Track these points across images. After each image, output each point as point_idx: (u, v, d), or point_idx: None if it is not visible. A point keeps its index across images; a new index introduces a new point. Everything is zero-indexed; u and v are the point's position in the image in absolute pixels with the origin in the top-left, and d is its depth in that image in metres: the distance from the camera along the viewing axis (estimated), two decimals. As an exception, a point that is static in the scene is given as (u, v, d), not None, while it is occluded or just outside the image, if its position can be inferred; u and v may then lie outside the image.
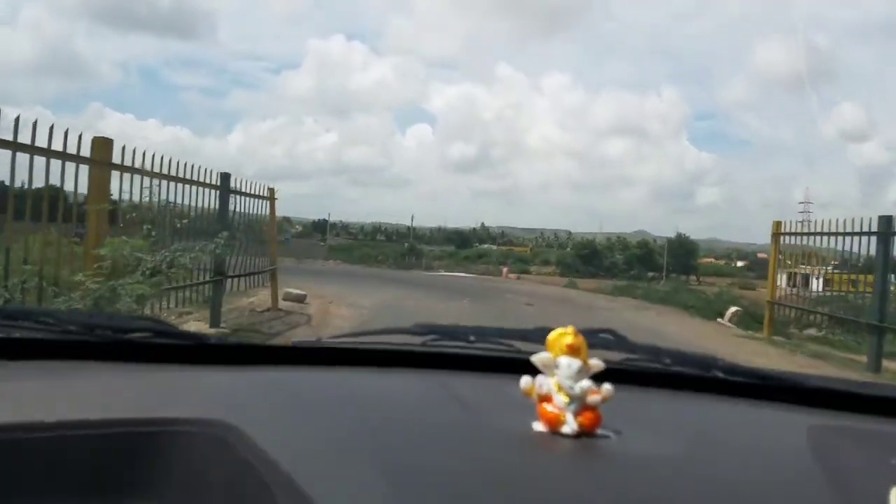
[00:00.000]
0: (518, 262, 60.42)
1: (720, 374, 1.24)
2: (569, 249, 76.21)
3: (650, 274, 64.57)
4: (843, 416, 1.12)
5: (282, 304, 11.65)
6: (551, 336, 0.91)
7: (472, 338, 1.30)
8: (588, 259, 62.57)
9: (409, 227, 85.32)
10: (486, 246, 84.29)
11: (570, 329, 0.91)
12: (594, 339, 1.19)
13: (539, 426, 0.89)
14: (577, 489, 0.74)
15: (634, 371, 1.24)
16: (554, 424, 0.87)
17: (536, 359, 0.91)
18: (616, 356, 1.22)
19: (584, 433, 0.86)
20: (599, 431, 0.88)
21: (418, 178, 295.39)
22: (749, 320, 16.24)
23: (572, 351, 0.89)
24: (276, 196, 11.55)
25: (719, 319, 16.17)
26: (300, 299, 13.02)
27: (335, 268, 39.18)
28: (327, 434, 0.83)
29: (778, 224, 12.78)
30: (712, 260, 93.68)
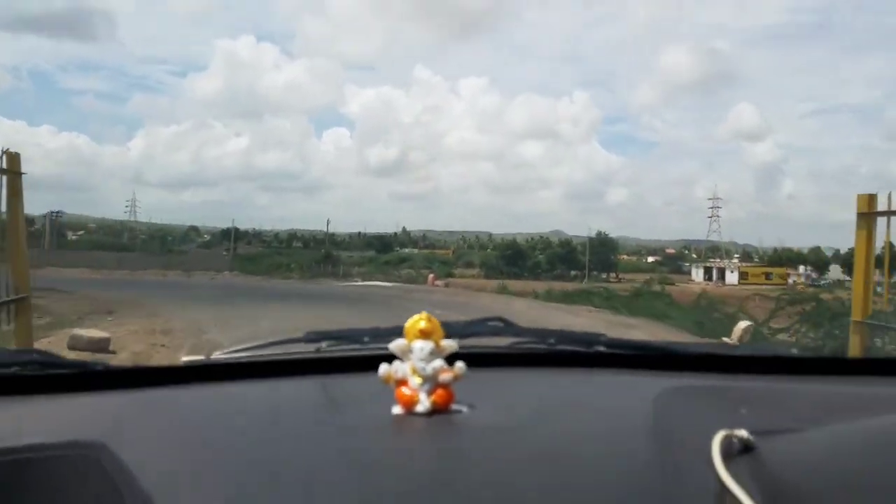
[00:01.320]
0: (441, 265, 57.61)
1: (603, 349, 1.29)
2: (490, 250, 74.06)
3: (572, 272, 63.32)
4: (701, 376, 1.17)
5: (69, 354, 8.31)
6: (408, 323, 0.94)
7: (366, 339, 1.30)
8: (512, 260, 60.35)
9: (325, 234, 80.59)
10: (407, 250, 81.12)
11: (423, 314, 0.95)
12: (484, 327, 1.31)
13: (397, 409, 0.91)
14: (426, 463, 0.78)
15: (521, 354, 1.28)
16: (409, 405, 0.89)
17: (394, 346, 0.93)
18: (505, 342, 1.29)
19: (437, 410, 0.89)
20: (453, 407, 0.90)
21: (336, 183, 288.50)
22: (759, 336, 13.52)
23: (425, 335, 0.92)
24: (20, 169, 5.98)
25: (726, 339, 13.18)
26: (100, 346, 9.55)
27: (232, 281, 34.48)
28: (194, 450, 0.82)
29: (869, 199, 6.06)
30: (625, 256, 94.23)
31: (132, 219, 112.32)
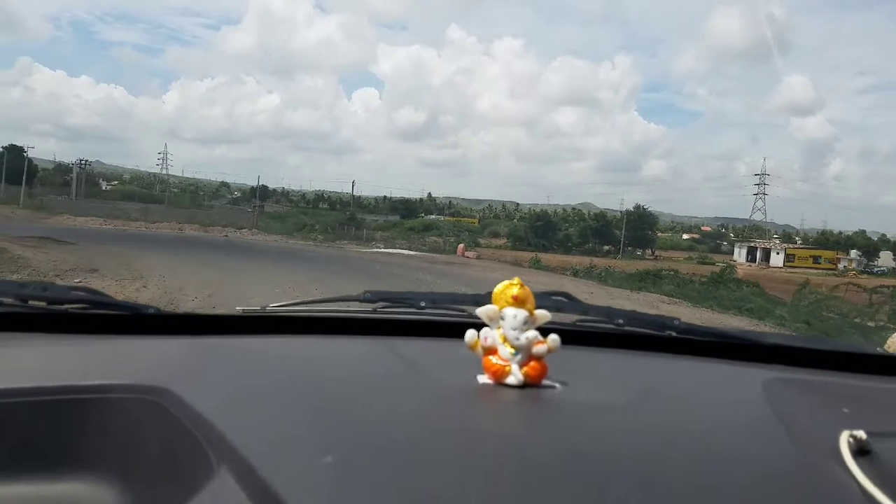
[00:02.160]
0: (467, 234, 55.03)
1: (674, 334, 1.24)
2: (516, 221, 71.14)
3: (605, 247, 60.20)
4: (798, 370, 1.14)
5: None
6: (497, 288, 0.89)
7: (423, 304, 1.28)
8: (541, 231, 57.35)
9: (353, 197, 78.46)
10: (433, 216, 78.51)
11: (516, 280, 0.89)
12: (548, 301, 1.17)
13: (484, 378, 0.86)
14: (521, 437, 0.74)
15: (588, 332, 1.24)
16: (499, 376, 0.85)
17: (482, 311, 0.88)
18: (570, 318, 1.24)
19: (529, 384, 0.85)
20: (545, 382, 0.86)
21: (364, 146, 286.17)
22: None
23: (518, 302, 0.86)
24: None
25: (880, 349, 9.98)
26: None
27: (248, 240, 31.98)
28: (267, 399, 0.80)
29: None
30: (659, 233, 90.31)
31: (164, 171, 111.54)
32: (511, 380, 0.84)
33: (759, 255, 64.65)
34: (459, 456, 0.66)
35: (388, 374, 0.95)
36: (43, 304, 1.12)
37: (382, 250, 32.07)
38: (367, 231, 49.51)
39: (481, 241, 51.88)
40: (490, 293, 0.92)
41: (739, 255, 66.12)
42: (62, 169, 78.29)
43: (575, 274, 26.42)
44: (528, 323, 0.85)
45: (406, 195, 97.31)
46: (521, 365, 0.85)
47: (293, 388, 0.84)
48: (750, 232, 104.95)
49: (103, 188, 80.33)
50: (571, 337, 1.08)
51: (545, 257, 33.30)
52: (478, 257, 32.00)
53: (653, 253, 62.76)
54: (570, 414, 0.81)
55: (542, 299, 1.12)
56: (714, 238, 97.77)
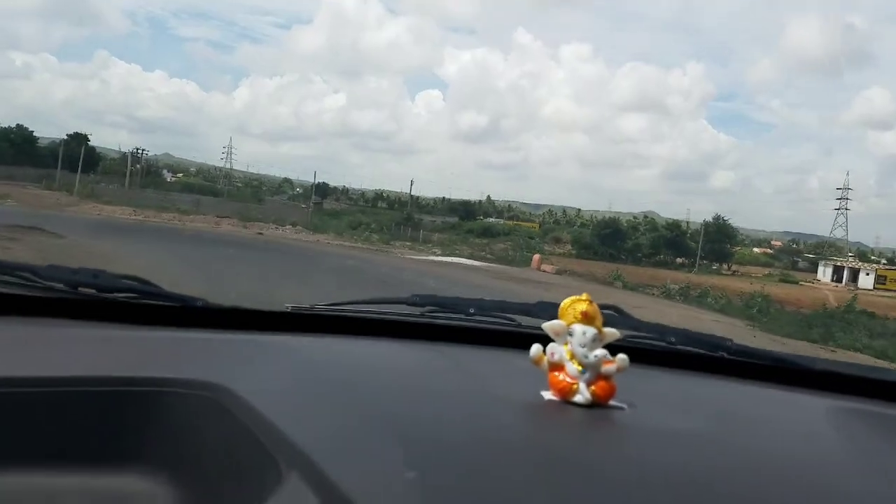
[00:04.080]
0: (527, 239, 50.36)
1: (726, 355, 1.21)
2: (578, 226, 65.90)
3: (679, 259, 54.45)
4: (857, 400, 1.09)
5: None
6: (565, 303, 0.85)
7: (472, 311, 1.25)
8: (608, 239, 52.01)
9: (411, 196, 74.74)
10: (491, 219, 73.94)
11: (584, 296, 0.85)
12: None
13: (549, 395, 0.83)
14: (593, 459, 0.70)
15: (639, 349, 1.19)
16: (566, 393, 0.81)
17: (548, 326, 0.84)
18: (621, 334, 1.19)
19: (597, 403, 0.81)
20: (613, 402, 0.83)
21: (425, 147, 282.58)
22: None
23: (587, 319, 0.82)
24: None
25: None
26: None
27: (285, 241, 27.49)
28: (331, 402, 0.77)
29: None
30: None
31: (227, 166, 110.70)
32: (579, 398, 0.80)
33: (846, 275, 57.58)
34: (534, 475, 0.63)
35: (451, 384, 0.92)
36: (93, 291, 1.09)
37: (439, 258, 26.70)
38: (423, 232, 45.62)
39: (545, 247, 47.04)
40: (541, 303, 0.89)
41: (824, 274, 59.12)
42: (127, 159, 77.70)
43: (667, 294, 21.41)
44: (596, 341, 0.82)
45: (465, 197, 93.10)
46: (589, 384, 0.81)
47: (358, 394, 0.80)
48: (822, 248, 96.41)
49: (168, 179, 79.48)
50: (622, 352, 1.05)
51: (611, 268, 28.19)
52: (558, 272, 25.90)
53: (729, 268, 56.59)
54: (644, 437, 0.78)
55: None
56: (789, 254, 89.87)
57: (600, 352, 0.81)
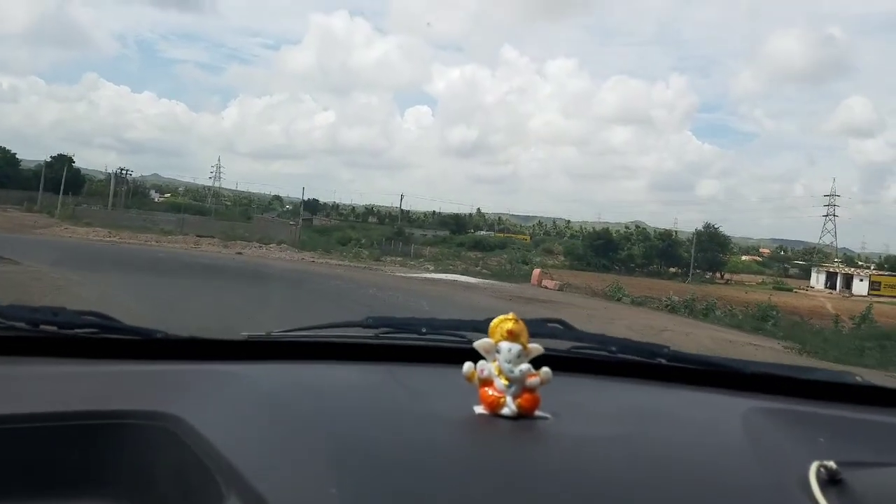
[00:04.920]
0: (524, 252, 49.23)
1: (664, 361, 1.24)
2: (568, 238, 64.85)
3: (671, 269, 53.44)
4: (779, 399, 1.13)
5: None
6: (493, 322, 0.90)
7: (423, 330, 1.28)
8: (601, 250, 50.99)
9: (401, 211, 73.50)
10: (482, 232, 72.87)
11: (510, 315, 0.90)
12: (543, 328, 1.23)
13: (480, 409, 0.88)
14: (515, 467, 0.75)
15: (582, 359, 1.25)
16: (494, 407, 0.86)
17: (478, 344, 0.89)
18: (565, 345, 1.23)
19: (522, 415, 0.86)
20: (538, 413, 0.87)
21: (415, 162, 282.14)
22: None
23: (512, 336, 0.87)
24: None
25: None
26: None
27: (262, 262, 25.77)
28: (275, 426, 0.81)
29: None
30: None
31: (216, 184, 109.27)
32: (506, 411, 0.85)
33: (839, 281, 56.72)
34: (459, 486, 0.67)
35: (392, 403, 0.96)
36: (53, 328, 1.10)
37: (432, 275, 24.60)
38: (414, 246, 44.42)
39: (536, 258, 45.85)
40: (488, 318, 0.93)
41: (817, 280, 58.21)
42: (120, 180, 76.26)
43: (672, 308, 20.25)
44: (521, 356, 0.86)
45: (456, 211, 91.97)
46: (515, 397, 0.86)
47: (300, 418, 0.84)
48: (811, 255, 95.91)
49: (156, 200, 78.01)
50: (566, 363, 1.13)
51: (607, 279, 26.85)
52: (560, 288, 23.75)
53: (722, 276, 55.66)
54: (562, 446, 0.83)
55: (538, 326, 1.17)
56: (779, 261, 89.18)
57: (525, 366, 0.85)
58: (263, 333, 1.23)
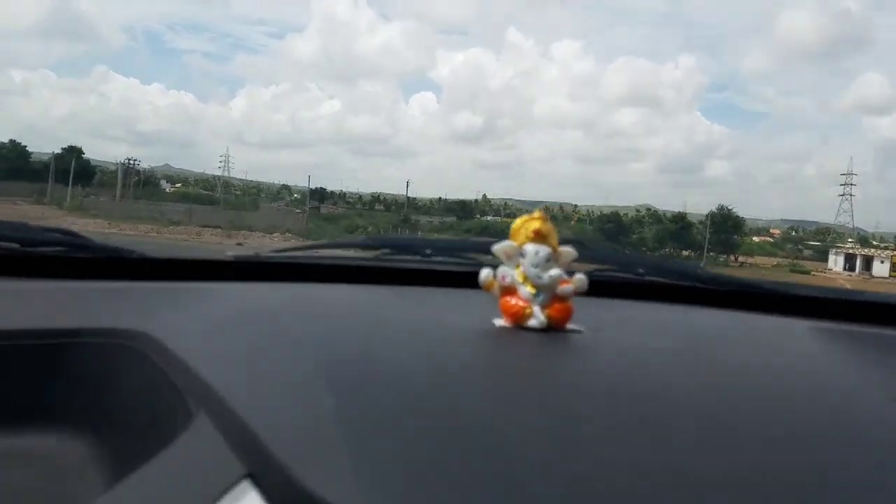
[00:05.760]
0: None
1: (698, 284, 1.15)
2: (575, 222, 63.62)
3: (685, 252, 52.17)
4: (835, 322, 1.05)
5: None
6: (516, 222, 0.78)
7: (428, 251, 1.19)
8: (612, 234, 49.84)
9: (407, 198, 72.58)
10: (489, 218, 71.75)
11: (537, 213, 0.78)
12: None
13: (501, 322, 0.75)
14: (548, 382, 0.63)
15: (607, 282, 1.12)
16: (519, 318, 0.74)
17: (498, 247, 0.77)
18: (586, 268, 1.09)
19: (552, 327, 0.74)
20: (570, 326, 0.75)
21: (421, 150, 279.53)
22: None
23: (540, 237, 0.75)
24: None
25: None
26: None
27: (271, 246, 25.88)
28: (258, 344, 0.71)
29: None
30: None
31: (225, 174, 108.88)
32: (533, 322, 0.73)
33: (858, 263, 55.11)
34: (482, 403, 0.55)
35: (397, 320, 0.85)
36: (15, 245, 1.01)
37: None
38: (422, 233, 43.57)
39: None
40: (503, 239, 0.80)
41: (836, 263, 56.47)
42: (134, 171, 76.18)
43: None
44: (550, 260, 0.75)
45: (462, 197, 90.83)
46: (544, 306, 0.74)
47: (288, 334, 0.74)
48: (825, 235, 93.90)
49: (167, 190, 77.86)
50: (589, 287, 0.92)
51: None
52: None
53: (736, 259, 54.28)
54: (606, 357, 0.71)
55: None
56: (793, 242, 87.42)
57: (555, 272, 0.74)
58: (252, 253, 1.13)
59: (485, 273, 0.76)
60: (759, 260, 55.52)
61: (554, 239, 0.75)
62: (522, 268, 0.74)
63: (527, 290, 0.73)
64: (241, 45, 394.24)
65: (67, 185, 48.70)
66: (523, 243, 0.75)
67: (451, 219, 63.29)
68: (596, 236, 50.03)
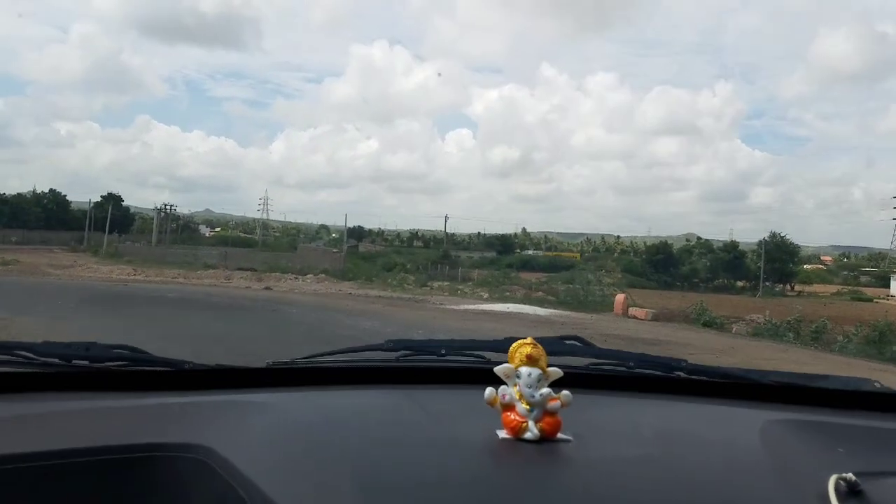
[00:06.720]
0: (595, 272, 45.44)
1: (682, 375, 1.25)
2: (619, 253, 60.83)
3: (739, 283, 49.02)
4: (797, 409, 1.13)
5: None
6: (512, 347, 0.92)
7: (443, 351, 1.30)
8: (662, 265, 47.03)
9: (445, 233, 70.87)
10: (530, 252, 69.50)
11: (528, 339, 0.92)
12: (561, 346, 1.28)
13: (503, 434, 0.89)
14: (540, 492, 0.75)
15: (600, 375, 1.26)
16: (517, 431, 0.88)
17: (499, 370, 0.91)
18: (583, 362, 1.26)
19: (545, 438, 0.87)
20: (560, 436, 0.88)
21: (458, 185, 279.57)
22: None
23: (531, 361, 0.89)
24: None
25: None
26: None
27: (303, 294, 23.03)
28: (302, 455, 0.83)
29: None
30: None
31: (264, 216, 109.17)
32: (528, 435, 0.87)
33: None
34: (490, 501, 0.71)
35: (415, 429, 0.97)
36: (85, 362, 1.12)
37: (490, 307, 19.00)
38: (462, 269, 41.54)
39: (606, 280, 42.06)
40: (509, 339, 0.96)
41: (899, 288, 52.67)
42: (173, 218, 76.48)
43: (775, 333, 16.63)
44: (541, 380, 0.88)
45: (500, 231, 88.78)
46: (537, 421, 0.87)
47: (325, 446, 0.86)
48: (881, 261, 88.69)
49: (206, 235, 77.81)
50: (585, 380, 1.17)
51: (675, 297, 22.53)
52: (652, 318, 18.00)
53: (793, 288, 50.80)
54: (585, 469, 0.83)
55: (556, 344, 1.22)
56: (846, 269, 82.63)
57: (545, 390, 0.87)
58: (288, 360, 1.24)
59: (488, 392, 0.89)
60: (816, 288, 51.87)
61: (544, 361, 0.88)
62: (518, 387, 0.87)
63: (522, 406, 0.87)
64: (279, 91, 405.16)
65: (109, 231, 48.34)
66: (518, 365, 0.88)
67: (490, 253, 61.27)
68: (645, 268, 47.29)
